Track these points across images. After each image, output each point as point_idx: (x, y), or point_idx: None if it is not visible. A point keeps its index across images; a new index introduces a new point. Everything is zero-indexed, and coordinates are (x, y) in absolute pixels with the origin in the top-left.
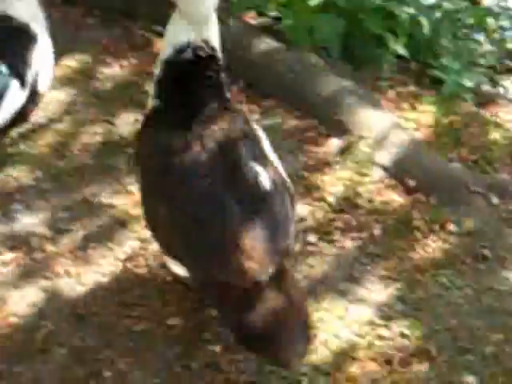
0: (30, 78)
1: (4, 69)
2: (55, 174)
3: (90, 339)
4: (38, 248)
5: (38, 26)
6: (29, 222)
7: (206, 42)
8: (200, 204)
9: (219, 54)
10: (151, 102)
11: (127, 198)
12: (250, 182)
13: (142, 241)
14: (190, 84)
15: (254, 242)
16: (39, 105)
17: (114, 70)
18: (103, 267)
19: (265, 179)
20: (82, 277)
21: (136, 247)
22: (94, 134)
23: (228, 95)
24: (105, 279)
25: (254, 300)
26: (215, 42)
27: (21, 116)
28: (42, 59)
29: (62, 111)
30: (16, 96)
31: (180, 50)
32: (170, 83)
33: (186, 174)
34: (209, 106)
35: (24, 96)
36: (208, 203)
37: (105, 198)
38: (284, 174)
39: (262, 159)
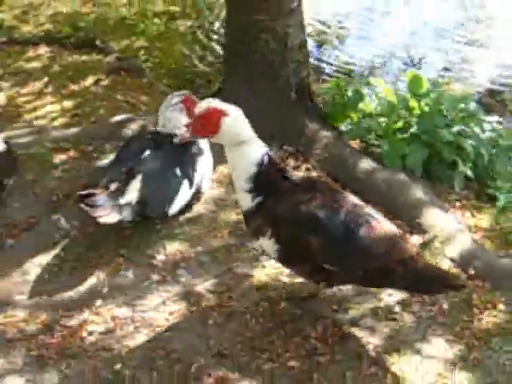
0: (196, 180)
1: (179, 173)
2: (210, 250)
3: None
4: (194, 303)
5: (203, 141)
6: (189, 283)
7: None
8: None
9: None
10: (248, 203)
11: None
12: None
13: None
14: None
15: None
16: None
17: None
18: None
19: None
20: (226, 325)
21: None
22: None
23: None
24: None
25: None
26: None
27: (186, 207)
28: (205, 167)
29: (215, 204)
30: (186, 193)
31: (261, 163)
32: (265, 184)
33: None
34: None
35: (191, 193)
36: None
37: (245, 269)
38: None
39: None
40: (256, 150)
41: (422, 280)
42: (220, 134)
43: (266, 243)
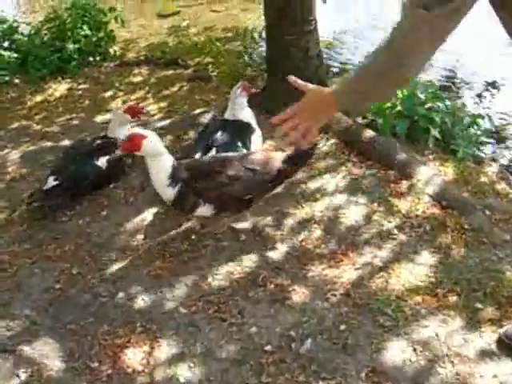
0: (251, 150)
1: (240, 145)
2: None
3: None
4: (258, 234)
5: (253, 121)
6: (253, 221)
7: None
8: None
9: None
10: (171, 193)
11: (301, 210)
12: None
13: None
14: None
15: None
16: None
17: None
18: None
19: None
20: (279, 247)
21: None
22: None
23: None
24: (291, 248)
25: None
26: None
27: None
28: (257, 141)
29: None
30: None
31: (173, 165)
32: (178, 176)
33: None
34: None
35: None
36: None
37: (286, 209)
38: None
39: None
40: (168, 158)
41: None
42: (142, 151)
43: (204, 209)
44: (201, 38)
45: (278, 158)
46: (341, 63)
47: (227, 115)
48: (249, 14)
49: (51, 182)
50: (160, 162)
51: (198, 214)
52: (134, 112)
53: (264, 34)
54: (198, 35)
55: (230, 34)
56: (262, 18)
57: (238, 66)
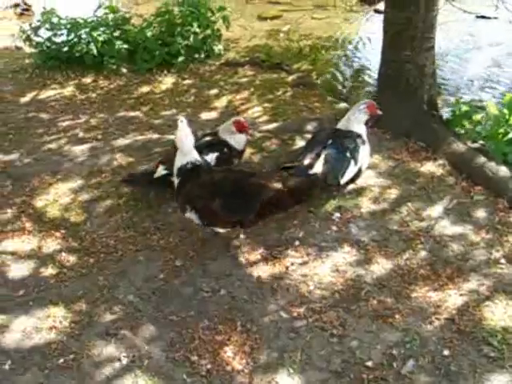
0: (359, 161)
1: (349, 155)
2: (371, 212)
3: None
4: (362, 247)
5: (364, 135)
6: (358, 234)
7: None
8: None
9: None
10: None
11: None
12: None
13: None
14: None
15: None
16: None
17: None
18: None
19: None
20: (384, 264)
21: None
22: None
23: None
24: (396, 266)
25: None
26: None
27: (352, 180)
28: (365, 153)
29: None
30: (352, 170)
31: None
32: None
33: None
34: None
35: (355, 170)
36: None
37: (395, 226)
38: None
39: None
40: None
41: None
42: None
43: (192, 216)
44: (302, 43)
45: (275, 184)
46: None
47: (340, 125)
48: (350, 24)
49: (161, 170)
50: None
51: (190, 218)
52: (241, 127)
53: (368, 46)
54: (300, 41)
55: (329, 43)
56: (363, 28)
57: (339, 75)
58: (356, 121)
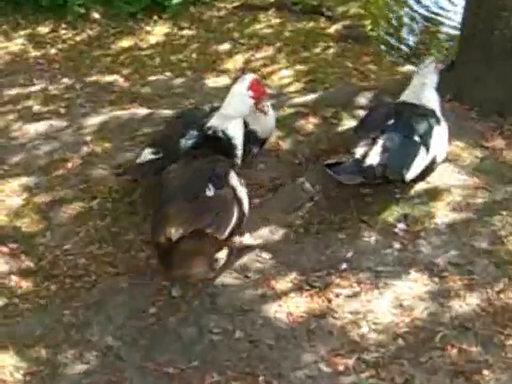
0: (433, 149)
1: (418, 140)
2: (448, 222)
3: None
4: (436, 274)
5: (440, 113)
6: (429, 254)
7: None
8: None
9: None
10: None
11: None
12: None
13: None
14: None
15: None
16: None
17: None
18: None
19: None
20: (467, 298)
21: None
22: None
23: None
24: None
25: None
26: None
27: (422, 175)
28: (442, 137)
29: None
30: (422, 160)
31: None
32: None
33: None
34: None
35: (427, 161)
36: None
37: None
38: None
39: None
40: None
41: None
42: None
43: None
44: None
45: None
46: None
47: (406, 96)
48: None
49: (147, 155)
50: None
51: None
52: (258, 92)
53: None
54: None
55: None
56: None
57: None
58: (426, 87)
